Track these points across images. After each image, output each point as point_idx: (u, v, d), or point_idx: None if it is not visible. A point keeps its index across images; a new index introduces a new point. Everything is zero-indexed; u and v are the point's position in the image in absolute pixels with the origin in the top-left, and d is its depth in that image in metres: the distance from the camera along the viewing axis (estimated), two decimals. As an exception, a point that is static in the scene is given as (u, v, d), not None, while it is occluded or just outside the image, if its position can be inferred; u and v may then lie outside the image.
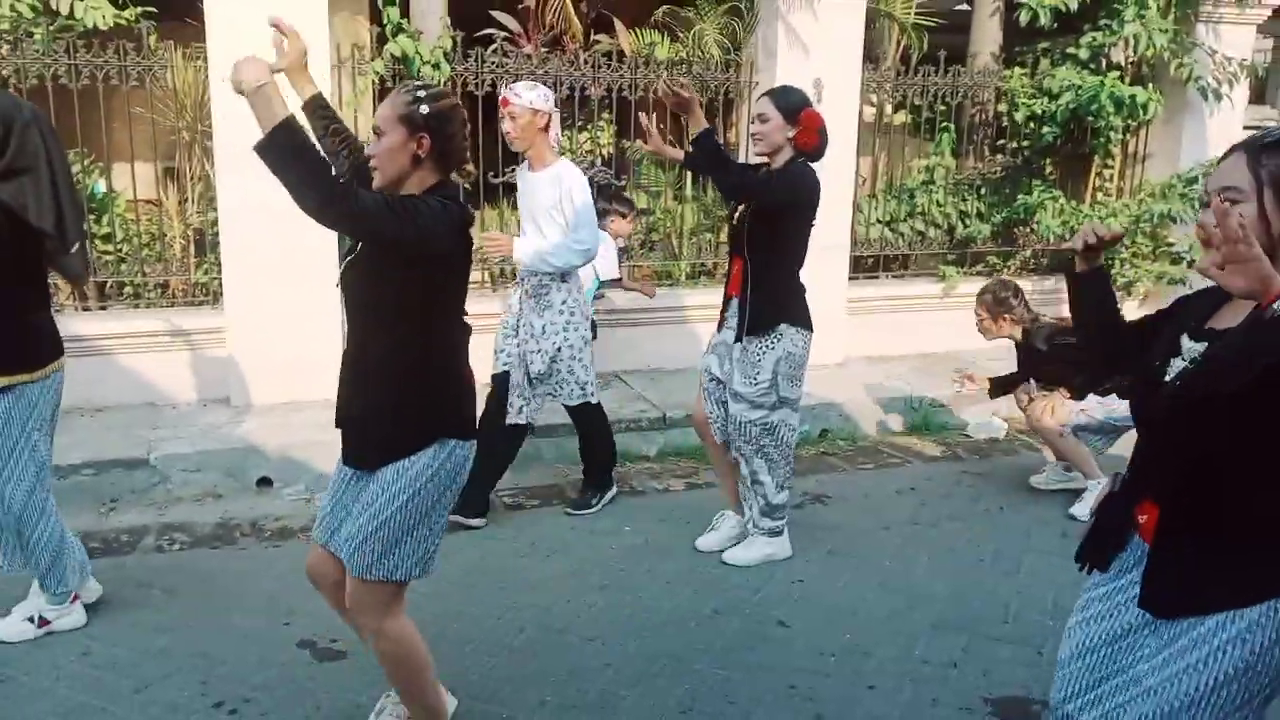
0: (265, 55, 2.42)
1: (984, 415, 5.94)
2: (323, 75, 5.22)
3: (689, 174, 6.51)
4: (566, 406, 4.44)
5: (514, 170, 6.11)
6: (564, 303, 4.22)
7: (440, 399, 2.50)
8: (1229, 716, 1.77)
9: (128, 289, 5.64)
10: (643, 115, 4.11)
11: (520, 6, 7.53)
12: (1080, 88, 6.89)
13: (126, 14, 5.25)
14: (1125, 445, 2.02)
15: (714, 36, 6.47)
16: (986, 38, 7.61)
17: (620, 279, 5.80)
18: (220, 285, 5.44)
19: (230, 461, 4.72)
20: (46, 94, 5.14)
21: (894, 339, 6.84)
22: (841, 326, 6.51)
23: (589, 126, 6.62)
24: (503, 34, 6.77)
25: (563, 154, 4.32)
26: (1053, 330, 4.70)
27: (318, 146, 2.30)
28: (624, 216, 5.84)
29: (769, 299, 3.78)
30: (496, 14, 7.32)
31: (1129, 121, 7.15)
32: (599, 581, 3.87)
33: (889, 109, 7.26)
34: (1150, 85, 7.10)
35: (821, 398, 5.81)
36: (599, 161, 6.59)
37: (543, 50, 6.61)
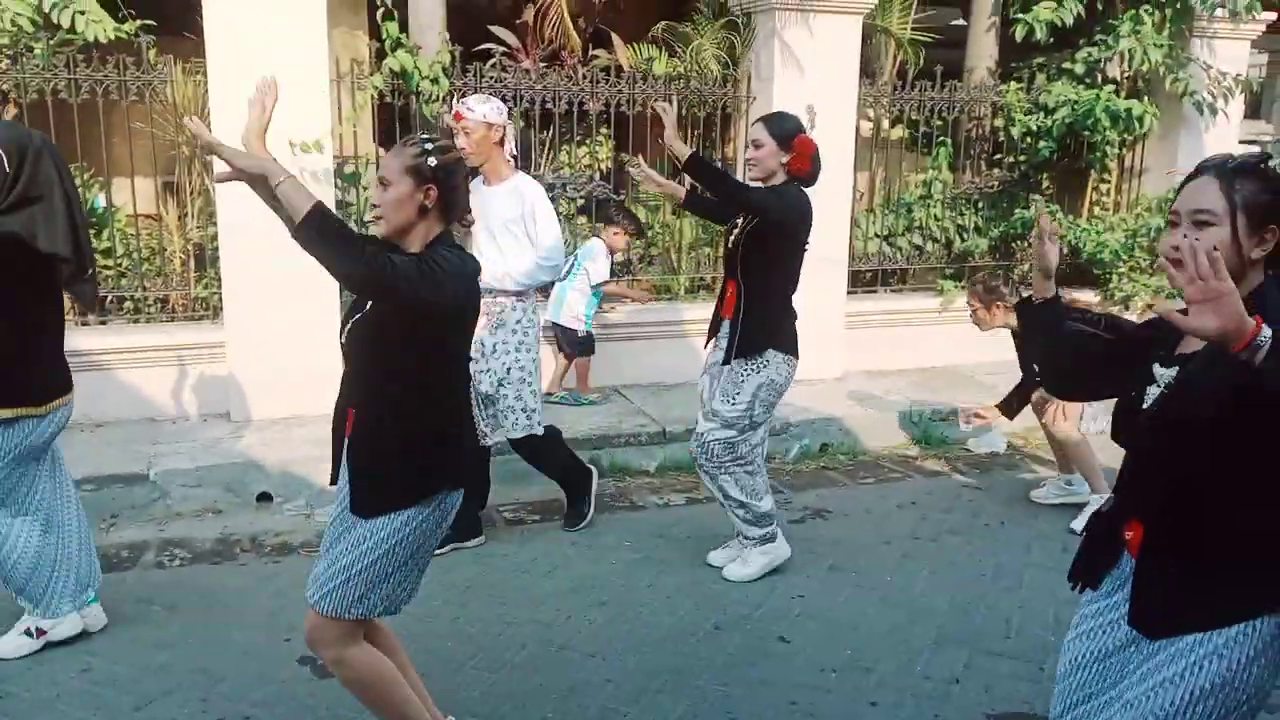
0: (258, 73, 2.46)
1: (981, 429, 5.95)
2: (322, 90, 5.25)
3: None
4: (510, 440, 4.28)
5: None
6: (519, 322, 4.14)
7: (436, 455, 2.48)
8: None
9: (128, 304, 5.64)
10: (633, 169, 4.13)
11: (519, 22, 7.56)
12: (1076, 102, 6.94)
13: (126, 28, 5.27)
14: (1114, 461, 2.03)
15: (712, 51, 6.50)
16: (983, 53, 7.66)
17: (608, 280, 5.84)
18: (220, 300, 5.45)
19: (230, 477, 4.71)
20: (46, 108, 5.15)
21: (893, 353, 6.85)
22: (840, 341, 6.52)
23: (587, 141, 6.64)
24: (501, 49, 6.79)
25: (519, 168, 4.29)
26: None
27: (348, 225, 2.35)
28: (626, 233, 5.91)
29: (759, 324, 3.82)
30: (495, 29, 7.35)
31: (1125, 136, 7.19)
32: (599, 597, 3.87)
33: (886, 124, 7.29)
34: (1146, 99, 7.15)
35: (821, 412, 5.82)
36: (597, 176, 6.62)
37: (541, 65, 6.64)
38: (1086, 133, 7.08)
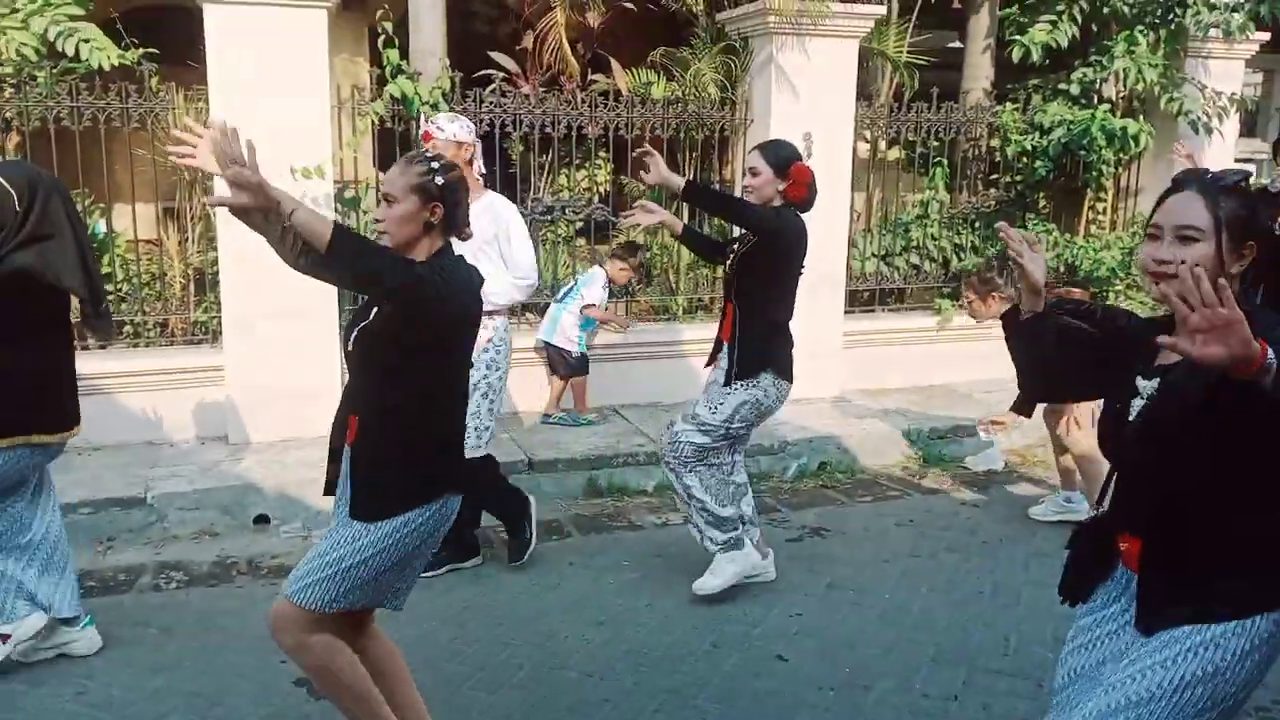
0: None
1: (983, 445, 5.95)
2: (323, 116, 5.29)
3: (687, 209, 6.58)
4: None
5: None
6: (490, 340, 4.12)
7: (438, 462, 2.51)
8: None
9: (127, 328, 5.66)
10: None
11: (518, 48, 7.65)
12: (1072, 122, 6.98)
13: (129, 56, 5.32)
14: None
15: (710, 76, 6.56)
16: (979, 74, 7.73)
17: (594, 306, 5.85)
18: (219, 324, 5.47)
19: (228, 499, 4.72)
20: (49, 136, 5.20)
21: (890, 372, 6.86)
22: (838, 360, 6.54)
23: (586, 165, 6.69)
24: (501, 74, 6.86)
25: (488, 186, 4.30)
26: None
27: (370, 238, 2.42)
28: (631, 269, 5.99)
29: (754, 346, 3.86)
30: (495, 55, 7.42)
31: (1120, 155, 7.23)
32: (597, 617, 3.86)
33: (883, 145, 7.34)
34: (1141, 119, 7.19)
35: (819, 431, 5.82)
36: (596, 199, 6.66)
37: (540, 90, 6.70)
38: (1082, 152, 7.12)
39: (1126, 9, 7.12)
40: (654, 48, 7.14)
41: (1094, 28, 7.34)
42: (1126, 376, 1.93)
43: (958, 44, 8.22)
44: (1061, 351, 2.06)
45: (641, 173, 3.93)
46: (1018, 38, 7.21)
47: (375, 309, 2.48)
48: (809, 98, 6.20)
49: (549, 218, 6.47)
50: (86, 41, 5.21)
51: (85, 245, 3.20)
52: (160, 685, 3.30)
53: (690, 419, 3.92)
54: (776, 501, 5.18)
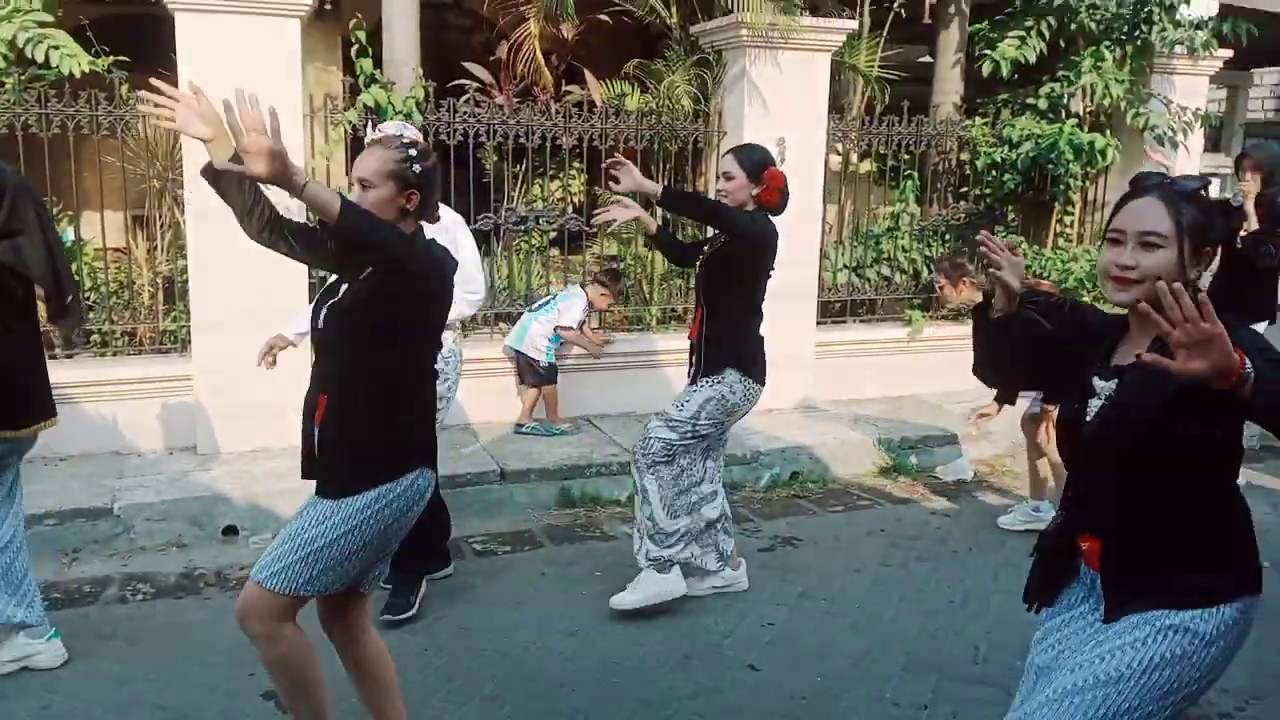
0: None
1: (955, 456, 6.00)
2: (296, 125, 5.26)
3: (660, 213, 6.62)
4: None
5: (486, 216, 6.22)
6: (441, 354, 4.13)
7: (405, 435, 2.52)
8: (1152, 704, 1.78)
9: (95, 337, 5.60)
10: (606, 212, 4.13)
11: (492, 58, 7.64)
12: (1040, 136, 7.08)
13: (100, 63, 5.28)
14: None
15: (684, 88, 6.59)
16: (949, 89, 7.82)
17: (569, 328, 5.85)
18: (188, 333, 5.42)
19: (196, 510, 4.67)
20: (16, 142, 5.14)
21: (862, 382, 6.91)
22: (810, 371, 6.57)
23: (560, 175, 6.70)
24: (474, 85, 6.85)
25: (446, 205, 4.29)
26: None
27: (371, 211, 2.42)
28: (611, 295, 6.02)
29: (719, 344, 3.89)
30: (468, 65, 7.42)
31: (1088, 168, 7.33)
32: (569, 627, 3.85)
33: (855, 158, 7.40)
34: (1108, 133, 7.30)
35: (791, 441, 5.85)
36: (570, 209, 6.67)
37: (514, 100, 6.70)
38: (1050, 165, 7.21)
39: (1094, 26, 7.23)
40: (628, 60, 7.16)
41: (1062, 44, 7.45)
42: (1082, 373, 1.96)
43: (928, 59, 8.31)
44: (1025, 349, 2.09)
45: (611, 184, 3.95)
46: (987, 53, 7.30)
47: (345, 287, 2.49)
48: (781, 110, 6.25)
49: (523, 228, 6.47)
50: (57, 48, 5.15)
51: (54, 242, 3.21)
52: (126, 698, 3.26)
53: (659, 415, 3.95)
54: (749, 511, 5.19)
